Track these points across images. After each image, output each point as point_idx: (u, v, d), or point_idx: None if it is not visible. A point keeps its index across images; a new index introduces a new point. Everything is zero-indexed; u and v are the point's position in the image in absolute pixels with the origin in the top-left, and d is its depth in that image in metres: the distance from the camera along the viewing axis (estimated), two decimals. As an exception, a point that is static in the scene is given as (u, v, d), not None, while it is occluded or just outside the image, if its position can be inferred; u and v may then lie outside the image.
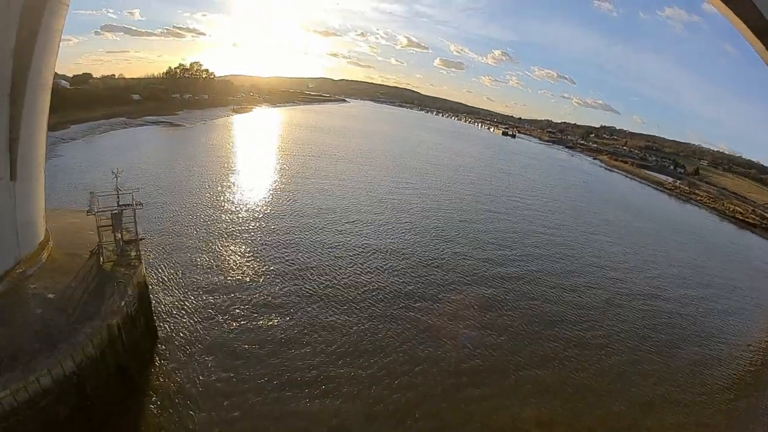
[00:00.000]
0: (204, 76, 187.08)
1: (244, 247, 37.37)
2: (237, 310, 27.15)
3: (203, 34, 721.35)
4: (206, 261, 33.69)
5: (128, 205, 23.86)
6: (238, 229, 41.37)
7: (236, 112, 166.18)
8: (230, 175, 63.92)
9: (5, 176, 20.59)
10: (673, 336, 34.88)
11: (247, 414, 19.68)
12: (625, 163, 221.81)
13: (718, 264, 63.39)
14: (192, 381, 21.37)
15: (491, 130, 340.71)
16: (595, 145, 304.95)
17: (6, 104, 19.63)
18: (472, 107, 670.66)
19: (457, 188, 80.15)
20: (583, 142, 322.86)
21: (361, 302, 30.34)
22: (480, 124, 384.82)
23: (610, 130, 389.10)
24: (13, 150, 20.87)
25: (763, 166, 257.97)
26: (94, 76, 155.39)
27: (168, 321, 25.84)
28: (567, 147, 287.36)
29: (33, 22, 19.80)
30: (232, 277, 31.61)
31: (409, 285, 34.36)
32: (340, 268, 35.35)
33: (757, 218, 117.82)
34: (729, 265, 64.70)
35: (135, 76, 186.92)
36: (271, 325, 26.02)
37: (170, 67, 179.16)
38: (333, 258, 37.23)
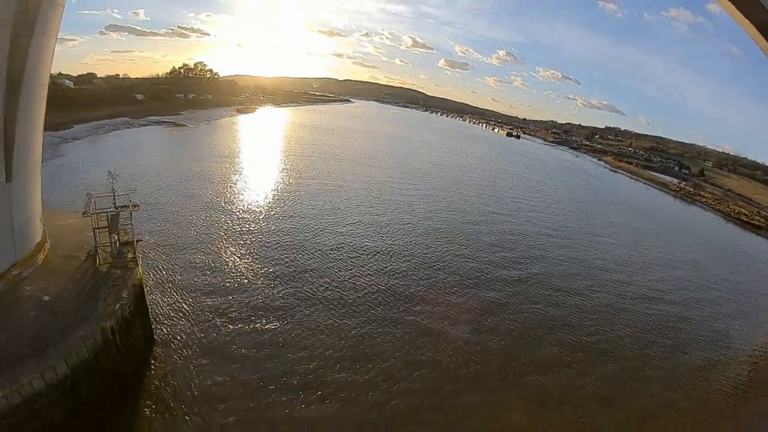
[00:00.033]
0: (208, 76, 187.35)
1: (244, 248, 37.11)
2: (235, 313, 26.88)
3: (208, 34, 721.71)
4: (206, 262, 33.46)
5: (124, 206, 23.63)
6: (239, 230, 41.12)
7: (240, 112, 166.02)
8: (232, 175, 63.73)
9: (1, 178, 20.43)
10: (677, 340, 34.35)
11: (242, 419, 19.41)
12: (630, 164, 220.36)
13: (723, 266, 62.67)
14: (188, 384, 21.13)
15: (496, 130, 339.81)
16: (599, 146, 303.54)
17: (1, 105, 19.43)
18: (477, 108, 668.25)
19: (460, 189, 79.62)
20: (587, 143, 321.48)
21: (360, 305, 29.98)
22: (484, 125, 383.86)
23: (615, 131, 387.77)
24: (8, 151, 20.70)
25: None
26: (98, 75, 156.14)
27: (165, 323, 25.59)
28: (571, 148, 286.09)
29: (27, 23, 19.60)
30: (231, 278, 31.35)
31: (409, 287, 33.99)
32: (339, 270, 35.02)
33: (762, 220, 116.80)
34: (734, 267, 63.96)
35: (140, 76, 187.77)
36: (268, 328, 25.73)
37: (174, 67, 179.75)
38: (333, 260, 36.91)
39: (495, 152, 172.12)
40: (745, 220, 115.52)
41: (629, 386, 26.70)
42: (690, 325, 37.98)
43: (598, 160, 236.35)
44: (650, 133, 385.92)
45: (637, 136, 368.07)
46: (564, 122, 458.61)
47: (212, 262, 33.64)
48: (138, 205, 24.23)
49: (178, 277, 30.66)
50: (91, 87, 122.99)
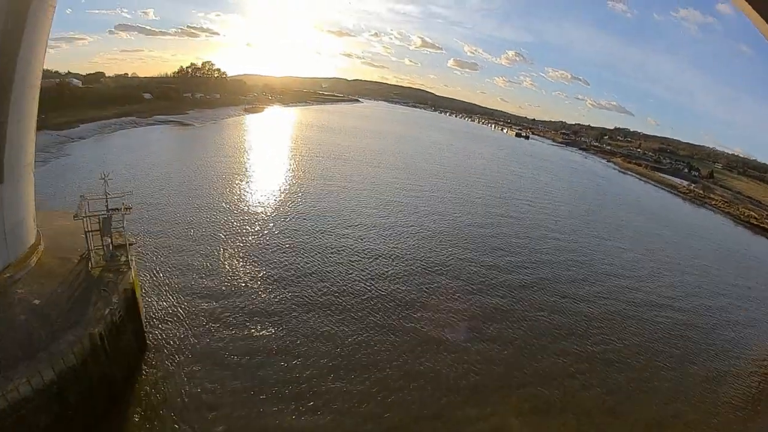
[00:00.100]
0: (216, 75, 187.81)
1: (243, 250, 36.65)
2: (230, 317, 26.36)
3: (217, 33, 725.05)
4: (204, 264, 33.00)
5: (116, 209, 23.26)
6: (239, 231, 40.70)
7: (248, 111, 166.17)
8: (235, 175, 63.36)
9: (-7, 179, 20.15)
10: (686, 350, 33.32)
11: (231, 428, 18.87)
12: (639, 165, 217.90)
13: (733, 271, 61.28)
14: (178, 392, 20.63)
15: (504, 131, 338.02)
16: (608, 147, 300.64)
17: (-9, 106, 19.15)
18: (486, 108, 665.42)
19: (467, 191, 78.69)
20: (596, 144, 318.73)
21: (358, 311, 29.30)
22: (493, 125, 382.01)
23: (624, 132, 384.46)
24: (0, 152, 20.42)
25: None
26: (107, 74, 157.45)
27: (159, 328, 25.15)
28: (580, 149, 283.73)
29: (17, 23, 19.26)
30: (228, 281, 30.86)
31: (410, 293, 33.24)
32: (339, 274, 34.39)
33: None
34: (744, 272, 62.53)
35: (149, 76, 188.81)
36: (262, 334, 25.16)
37: (182, 67, 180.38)
38: (333, 263, 36.28)
39: (503, 153, 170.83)
40: (755, 223, 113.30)
41: (635, 398, 25.79)
42: (699, 334, 36.89)
43: (608, 161, 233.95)
44: (659, 135, 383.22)
45: (646, 137, 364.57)
46: (573, 123, 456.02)
47: (210, 264, 33.18)
48: (131, 208, 23.89)
49: (176, 280, 30.22)
50: (99, 86, 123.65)
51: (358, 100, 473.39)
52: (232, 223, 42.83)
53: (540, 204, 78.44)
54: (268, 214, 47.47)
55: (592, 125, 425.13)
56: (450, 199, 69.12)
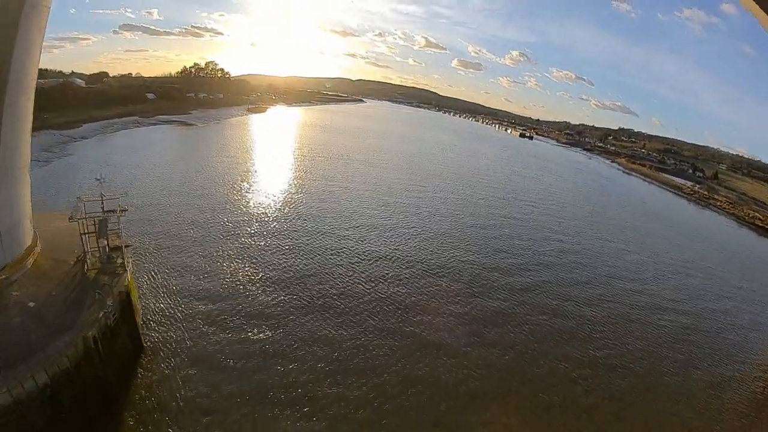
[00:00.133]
0: (219, 75, 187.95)
1: (242, 251, 36.40)
2: (227, 320, 26.10)
3: (221, 33, 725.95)
4: (202, 265, 32.80)
5: (112, 211, 23.04)
6: (239, 232, 40.46)
7: (251, 111, 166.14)
8: (235, 176, 63.13)
9: (-15, 180, 19.98)
10: (690, 354, 32.80)
11: (226, 433, 18.62)
12: (644, 166, 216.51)
13: (738, 274, 60.55)
14: (173, 395, 20.44)
15: (508, 131, 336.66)
16: (613, 148, 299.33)
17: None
18: (490, 108, 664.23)
19: (470, 191, 78.21)
20: (600, 144, 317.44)
21: (357, 314, 28.95)
22: (497, 126, 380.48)
23: (629, 133, 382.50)
24: (-5, 155, 20.28)
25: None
26: (111, 74, 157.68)
27: (156, 330, 24.94)
28: (585, 149, 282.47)
29: (10, 26, 19.10)
30: (226, 283, 30.61)
31: (410, 296, 32.86)
32: (339, 276, 34.07)
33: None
34: (748, 274, 61.73)
35: (153, 75, 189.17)
36: (259, 337, 24.87)
37: (185, 67, 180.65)
38: (333, 265, 35.96)
39: (507, 153, 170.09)
40: (760, 224, 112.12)
41: (638, 404, 25.35)
42: (703, 338, 36.38)
43: (612, 162, 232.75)
44: (664, 135, 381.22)
45: (651, 137, 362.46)
46: (577, 123, 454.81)
47: (209, 265, 32.97)
48: (126, 210, 23.67)
49: (174, 281, 30.05)
50: (102, 86, 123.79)
51: (361, 100, 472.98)
52: (233, 223, 42.59)
53: (543, 205, 77.86)
54: (269, 214, 47.21)
55: (596, 126, 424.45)
56: (453, 199, 68.69)
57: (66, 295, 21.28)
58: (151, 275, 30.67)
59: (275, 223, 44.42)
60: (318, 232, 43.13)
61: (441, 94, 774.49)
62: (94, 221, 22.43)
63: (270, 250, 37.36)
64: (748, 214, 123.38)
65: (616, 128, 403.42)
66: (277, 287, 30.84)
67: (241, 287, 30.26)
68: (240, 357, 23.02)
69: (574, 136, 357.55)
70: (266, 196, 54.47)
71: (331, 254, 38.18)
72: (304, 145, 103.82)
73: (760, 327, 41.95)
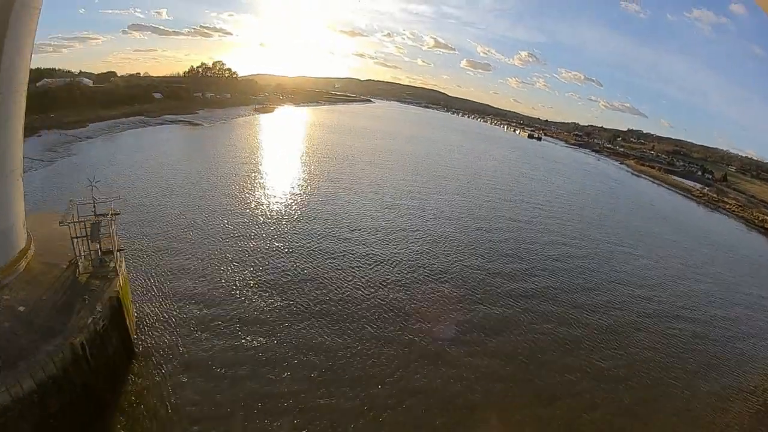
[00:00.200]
0: (227, 75, 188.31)
1: (241, 253, 35.90)
2: (221, 326, 25.59)
3: (230, 33, 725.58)
4: (199, 268, 32.35)
5: (104, 214, 22.65)
6: (238, 234, 40.04)
7: (258, 111, 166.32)
8: (238, 177, 62.71)
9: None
10: (697, 365, 31.77)
11: (213, 445, 18.13)
12: (652, 168, 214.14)
13: (747, 279, 59.14)
14: (163, 403, 19.98)
15: (517, 132, 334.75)
16: (621, 149, 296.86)
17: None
18: (499, 109, 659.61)
19: (476, 193, 77.31)
20: (609, 145, 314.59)
21: (355, 321, 28.25)
22: (506, 126, 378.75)
23: (637, 134, 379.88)
24: (-15, 157, 19.95)
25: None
26: (120, 74, 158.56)
27: (149, 335, 24.50)
28: (593, 151, 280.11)
29: (-1, 29, 18.79)
30: (222, 287, 30.10)
31: (411, 302, 32.10)
32: (338, 281, 33.43)
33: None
34: (758, 280, 60.22)
35: (163, 75, 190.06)
36: (253, 344, 24.29)
37: (192, 66, 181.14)
38: (332, 269, 35.34)
39: (515, 155, 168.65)
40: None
41: (643, 418, 24.47)
42: (711, 347, 35.34)
43: (620, 163, 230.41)
44: (673, 137, 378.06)
45: (660, 139, 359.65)
46: (586, 124, 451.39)
47: (206, 268, 32.51)
48: (118, 213, 23.28)
49: (170, 285, 29.59)
50: (109, 86, 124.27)
51: (370, 100, 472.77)
52: (233, 225, 42.19)
53: (550, 208, 76.77)
54: (270, 216, 46.76)
55: (605, 127, 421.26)
56: (458, 201, 67.89)
57: (56, 300, 20.92)
58: (148, 278, 30.24)
59: (276, 225, 43.94)
60: (319, 235, 42.59)
61: (450, 94, 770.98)
62: (85, 225, 21.94)
63: (269, 252, 36.85)
64: (758, 217, 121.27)
65: (625, 129, 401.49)
66: (273, 292, 30.28)
67: (238, 291, 29.75)
68: (232, 364, 22.49)
69: (583, 137, 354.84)
70: (268, 198, 54.03)
71: (332, 258, 37.58)
72: (310, 145, 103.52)
73: (770, 336, 40.84)
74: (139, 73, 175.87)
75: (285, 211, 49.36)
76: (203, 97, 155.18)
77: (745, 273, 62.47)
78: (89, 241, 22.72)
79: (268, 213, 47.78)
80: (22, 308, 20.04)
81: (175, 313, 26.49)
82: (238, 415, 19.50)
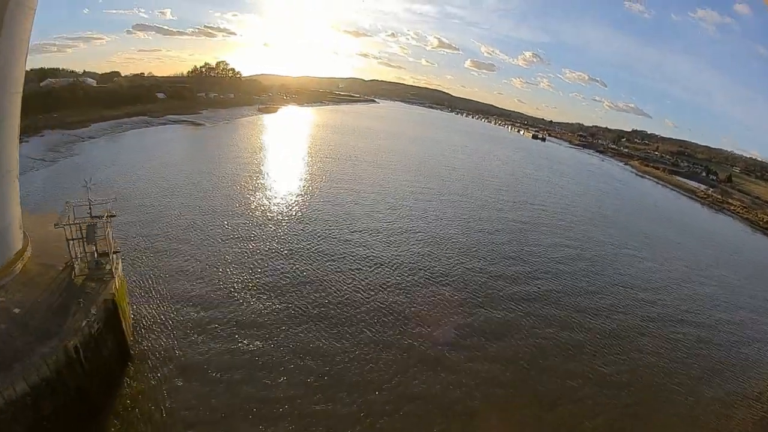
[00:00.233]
0: (230, 75, 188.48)
1: (239, 255, 35.65)
2: (218, 329, 25.33)
3: (234, 33, 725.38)
4: (198, 270, 32.12)
5: (99, 216, 22.44)
6: (238, 235, 39.82)
7: (262, 111, 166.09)
8: (239, 177, 62.48)
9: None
10: (701, 370, 31.28)
11: (208, 451, 17.88)
12: (657, 168, 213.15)
13: (752, 282, 58.49)
14: (158, 407, 19.77)
15: (521, 132, 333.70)
16: (626, 150, 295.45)
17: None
18: (503, 109, 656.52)
19: (479, 194, 76.85)
20: (613, 146, 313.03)
21: (353, 324, 27.91)
22: (510, 127, 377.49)
23: (642, 135, 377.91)
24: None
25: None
26: (124, 74, 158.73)
27: (146, 338, 24.30)
28: (597, 151, 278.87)
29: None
30: (220, 289, 29.85)
31: (411, 306, 31.69)
32: (337, 284, 33.10)
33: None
34: (764, 283, 59.52)
35: (167, 75, 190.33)
36: (249, 348, 24.00)
37: (195, 66, 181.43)
38: (332, 271, 35.02)
39: (519, 155, 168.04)
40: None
41: (646, 425, 24.08)
42: (716, 352, 34.83)
43: (625, 164, 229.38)
44: (677, 137, 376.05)
45: (664, 140, 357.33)
46: (590, 125, 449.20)
47: (204, 269, 32.28)
48: (114, 215, 23.06)
49: (168, 286, 29.38)
50: (111, 85, 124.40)
51: (374, 101, 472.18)
52: (233, 226, 41.97)
53: (554, 209, 76.25)
54: (271, 217, 46.54)
55: (609, 127, 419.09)
56: (461, 202, 67.49)
57: (51, 302, 20.77)
58: (147, 279, 30.08)
59: (276, 226, 43.71)
60: (320, 236, 42.30)
61: (453, 94, 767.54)
62: (80, 227, 21.73)
63: (268, 254, 36.59)
64: (763, 218, 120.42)
65: (630, 130, 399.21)
66: (272, 294, 30.01)
67: (236, 294, 29.49)
68: (229, 368, 22.23)
69: (587, 137, 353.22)
70: (269, 198, 53.82)
71: (332, 260, 37.29)
72: (312, 146, 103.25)
73: (776, 340, 40.27)
74: (143, 73, 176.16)
75: (286, 212, 49.12)
76: (207, 97, 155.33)
77: (750, 275, 61.84)
78: (85, 243, 22.50)
79: (268, 214, 47.55)
80: (17, 310, 19.92)
81: (172, 315, 26.27)
82: (233, 420, 19.25)
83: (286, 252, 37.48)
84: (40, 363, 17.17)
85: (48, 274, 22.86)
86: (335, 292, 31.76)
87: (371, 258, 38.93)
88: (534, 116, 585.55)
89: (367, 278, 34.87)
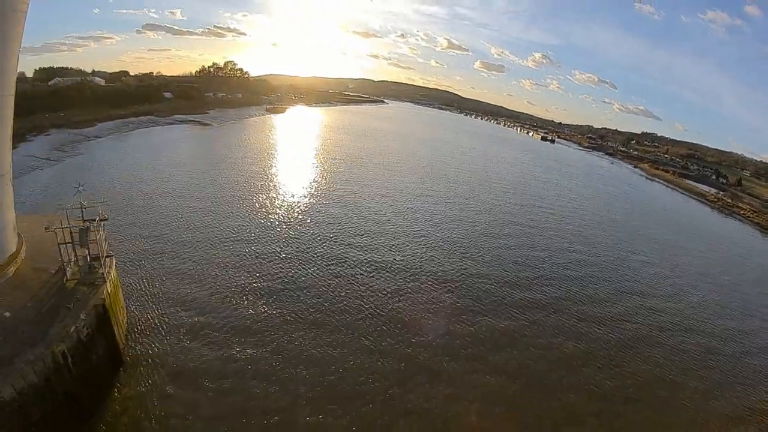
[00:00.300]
0: (238, 74, 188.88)
1: (239, 258, 35.25)
2: (212, 334, 24.86)
3: (244, 34, 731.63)
4: (194, 273, 31.73)
5: (91, 220, 22.07)
6: (238, 238, 39.44)
7: (269, 111, 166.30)
8: (243, 178, 62.30)
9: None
10: (710, 382, 30.22)
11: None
12: (667, 172, 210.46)
13: (763, 288, 57.06)
14: (148, 415, 19.42)
15: (530, 134, 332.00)
16: (635, 153, 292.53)
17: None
18: (513, 111, 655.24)
19: (486, 197, 75.91)
20: (623, 149, 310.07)
21: (350, 332, 27.24)
22: (519, 129, 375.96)
23: (652, 137, 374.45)
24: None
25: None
26: (134, 73, 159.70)
27: (139, 343, 23.92)
28: (607, 154, 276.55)
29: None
30: (217, 293, 29.39)
31: (411, 313, 30.92)
32: (337, 288, 32.49)
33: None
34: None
35: (176, 74, 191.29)
36: (243, 356, 23.46)
37: (203, 66, 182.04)
38: (332, 276, 34.43)
39: (528, 157, 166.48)
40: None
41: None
42: (725, 362, 33.72)
43: (634, 167, 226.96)
44: (687, 140, 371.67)
45: (674, 142, 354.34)
46: (600, 127, 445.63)
47: (201, 273, 31.87)
48: (106, 219, 22.67)
49: (164, 290, 28.99)
50: (119, 85, 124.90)
51: (383, 101, 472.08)
52: (233, 228, 41.64)
53: (562, 212, 75.12)
54: (272, 219, 46.14)
55: (619, 130, 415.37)
56: (467, 206, 66.55)
57: (41, 307, 20.45)
58: (143, 282, 29.74)
59: (278, 229, 43.28)
60: (321, 239, 41.79)
61: (463, 96, 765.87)
62: (71, 231, 21.38)
63: (268, 257, 36.13)
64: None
65: (639, 132, 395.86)
66: (269, 299, 29.47)
67: (232, 298, 29.01)
68: (221, 376, 21.73)
69: (597, 140, 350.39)
70: (272, 200, 53.43)
71: (332, 264, 36.69)
72: (319, 147, 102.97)
73: (787, 350, 39.11)
74: (152, 73, 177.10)
75: (288, 214, 48.70)
76: (214, 96, 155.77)
77: (760, 282, 60.44)
78: (78, 247, 22.17)
79: (270, 216, 47.14)
80: (7, 314, 19.64)
81: (167, 319, 25.90)
82: (220, 430, 18.72)
83: (285, 255, 37.00)
84: (28, 369, 16.88)
85: (40, 278, 22.54)
86: (333, 298, 31.13)
87: (372, 262, 38.29)
88: (543, 118, 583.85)
89: (367, 283, 34.21)
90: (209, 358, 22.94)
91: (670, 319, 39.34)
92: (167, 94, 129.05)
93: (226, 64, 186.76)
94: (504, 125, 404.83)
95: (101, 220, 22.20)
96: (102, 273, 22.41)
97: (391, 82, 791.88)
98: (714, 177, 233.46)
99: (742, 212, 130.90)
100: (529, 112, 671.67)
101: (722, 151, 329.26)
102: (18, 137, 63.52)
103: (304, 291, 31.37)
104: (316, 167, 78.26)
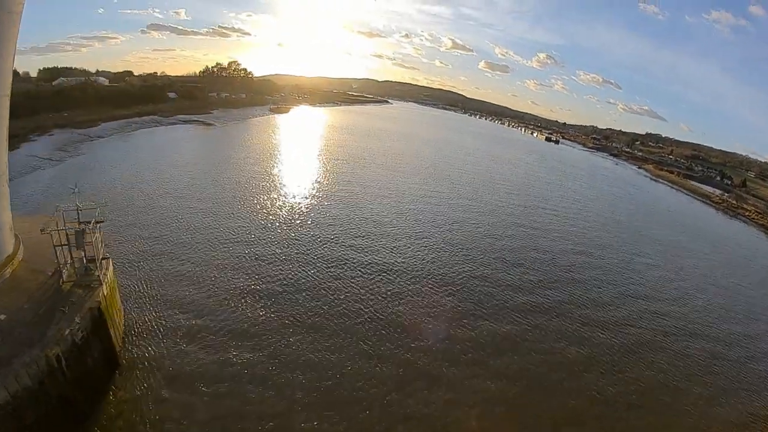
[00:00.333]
0: (242, 74, 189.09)
1: (238, 260, 35.06)
2: (209, 338, 24.66)
3: (249, 34, 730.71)
4: (193, 275, 31.55)
5: (87, 222, 21.91)
6: (238, 239, 39.29)
7: (273, 111, 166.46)
8: (244, 178, 62.24)
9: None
10: (713, 388, 29.73)
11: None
12: (671, 173, 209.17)
13: (767, 291, 56.67)
14: (143, 420, 19.25)
15: (534, 134, 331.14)
16: (640, 153, 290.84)
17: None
18: (517, 111, 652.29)
19: (489, 198, 75.48)
20: (628, 149, 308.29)
21: (349, 336, 26.94)
22: (523, 129, 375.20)
23: (656, 138, 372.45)
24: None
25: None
26: (138, 73, 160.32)
27: (136, 346, 23.77)
28: (611, 155, 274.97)
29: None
30: (215, 295, 29.22)
31: (411, 316, 30.61)
32: (336, 291, 32.21)
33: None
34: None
35: (181, 74, 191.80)
36: (239, 360, 23.22)
37: (207, 66, 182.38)
38: (331, 278, 34.16)
39: (532, 158, 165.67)
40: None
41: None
42: (730, 368, 33.22)
43: (639, 168, 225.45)
44: (691, 141, 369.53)
45: (678, 143, 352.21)
46: (604, 128, 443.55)
47: (200, 275, 31.69)
48: (103, 221, 22.52)
49: (162, 292, 28.83)
50: (123, 85, 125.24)
51: (387, 101, 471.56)
52: (234, 229, 41.51)
53: (566, 214, 74.64)
54: (273, 220, 46.00)
55: (623, 130, 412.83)
56: (470, 207, 66.16)
57: (37, 309, 20.31)
58: (142, 284, 29.61)
59: (278, 230, 43.11)
60: (322, 241, 41.56)
61: (467, 96, 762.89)
62: (66, 234, 21.22)
63: (267, 259, 35.92)
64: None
65: (644, 133, 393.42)
66: (267, 302, 29.23)
67: (230, 301, 28.80)
68: (217, 380, 21.53)
69: (601, 140, 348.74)
70: (273, 201, 53.28)
71: (332, 266, 36.44)
72: (322, 147, 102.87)
73: (793, 355, 38.55)
74: (156, 73, 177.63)
75: (289, 215, 48.52)
76: (218, 96, 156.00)
77: (765, 284, 59.75)
78: (74, 249, 22.02)
79: (271, 217, 47.00)
80: (2, 316, 19.46)
81: (164, 322, 25.73)
82: (215, 435, 18.54)
83: (284, 257, 36.79)
84: (22, 372, 16.78)
85: (37, 280, 22.42)
86: (332, 301, 30.84)
87: (373, 264, 38.02)
88: (548, 118, 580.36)
89: (366, 286, 33.92)
90: (206, 362, 22.74)
91: (674, 324, 38.86)
92: (171, 94, 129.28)
93: (230, 64, 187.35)
94: (508, 125, 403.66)
95: (97, 222, 22.03)
96: (98, 275, 22.25)
97: (395, 82, 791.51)
98: (718, 178, 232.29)
99: (747, 214, 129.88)
100: (533, 113, 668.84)
101: (727, 152, 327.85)
102: (21, 137, 63.85)
103: (303, 294, 31.12)
104: (319, 168, 78.09)
